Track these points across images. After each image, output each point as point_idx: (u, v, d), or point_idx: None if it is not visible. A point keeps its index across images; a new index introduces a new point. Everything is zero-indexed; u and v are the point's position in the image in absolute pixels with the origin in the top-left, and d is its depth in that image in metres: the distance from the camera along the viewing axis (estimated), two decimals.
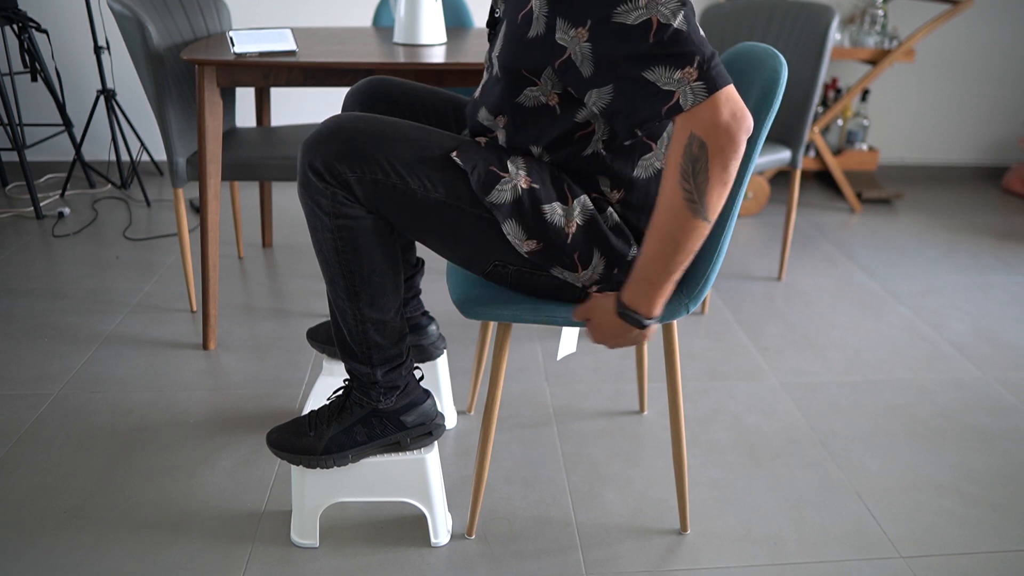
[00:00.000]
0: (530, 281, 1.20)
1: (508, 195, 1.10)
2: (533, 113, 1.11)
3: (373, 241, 1.13)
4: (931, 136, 3.67)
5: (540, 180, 1.12)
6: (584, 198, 1.13)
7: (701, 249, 1.21)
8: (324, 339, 1.56)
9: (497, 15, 1.17)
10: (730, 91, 0.96)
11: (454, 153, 1.10)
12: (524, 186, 1.10)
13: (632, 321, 1.09)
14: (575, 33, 0.99)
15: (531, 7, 1.03)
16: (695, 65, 0.94)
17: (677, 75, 0.95)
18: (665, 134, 1.13)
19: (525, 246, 1.13)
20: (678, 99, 0.95)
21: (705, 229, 1.01)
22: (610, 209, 1.15)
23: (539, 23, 1.03)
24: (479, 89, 1.21)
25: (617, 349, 1.06)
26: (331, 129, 1.09)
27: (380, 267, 1.15)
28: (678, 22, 0.94)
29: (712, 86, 0.94)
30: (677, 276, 1.05)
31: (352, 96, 1.36)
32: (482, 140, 1.18)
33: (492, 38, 1.18)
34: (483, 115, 1.18)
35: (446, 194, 1.10)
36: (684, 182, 0.98)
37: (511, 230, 1.12)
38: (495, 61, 1.13)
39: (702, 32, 0.97)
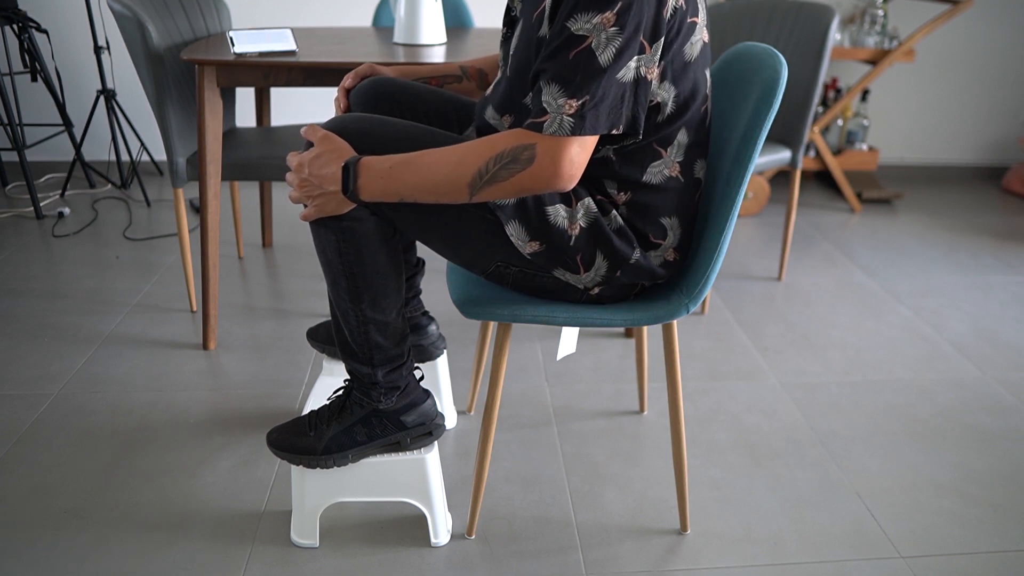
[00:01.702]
0: (532, 282, 1.20)
1: None
2: None
3: (376, 243, 1.13)
4: (931, 136, 3.67)
5: None
6: (588, 200, 1.13)
7: (701, 249, 1.21)
8: (324, 339, 1.56)
9: (514, 14, 1.17)
10: (589, 141, 0.99)
11: None
12: None
13: (346, 178, 1.03)
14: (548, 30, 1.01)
15: (544, 7, 1.04)
16: (579, 101, 0.97)
17: (560, 100, 0.97)
18: (676, 141, 1.12)
19: (528, 247, 1.13)
20: (544, 121, 0.98)
21: (462, 199, 1.02)
22: (614, 212, 1.15)
23: (548, 23, 1.03)
24: (491, 87, 1.22)
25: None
26: (332, 129, 1.09)
27: (382, 269, 1.15)
28: (604, 59, 0.96)
29: (578, 129, 0.97)
30: (405, 197, 1.03)
31: (354, 96, 1.36)
32: None
33: (508, 37, 1.18)
34: (490, 113, 1.18)
35: None
36: (491, 162, 0.99)
37: (514, 231, 1.12)
38: (509, 60, 1.13)
39: (628, 87, 1.00)
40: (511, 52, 1.13)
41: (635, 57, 0.98)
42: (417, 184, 1.02)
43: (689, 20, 1.04)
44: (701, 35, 1.07)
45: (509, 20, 1.18)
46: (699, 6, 1.06)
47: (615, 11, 0.95)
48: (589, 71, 0.96)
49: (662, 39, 1.00)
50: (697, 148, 1.15)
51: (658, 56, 1.01)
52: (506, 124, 1.16)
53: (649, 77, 1.01)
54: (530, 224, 1.12)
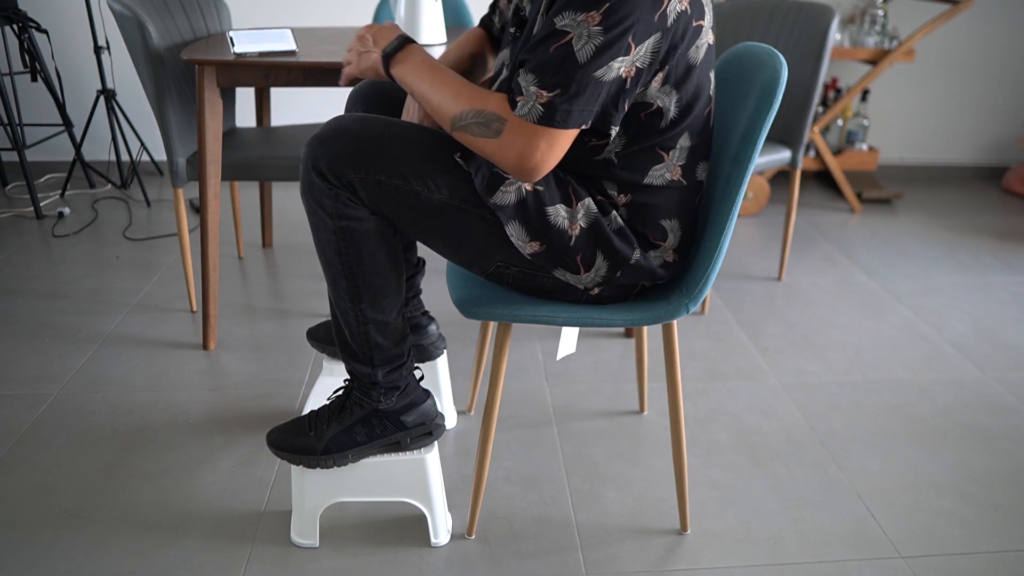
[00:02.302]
0: (532, 282, 1.20)
1: (512, 196, 1.10)
2: None
3: (376, 242, 1.13)
4: (931, 136, 3.67)
5: (545, 182, 1.12)
6: (588, 201, 1.13)
7: (701, 249, 1.21)
8: (324, 338, 1.56)
9: (523, 14, 1.16)
10: (558, 135, 1.01)
11: (457, 155, 1.10)
12: (529, 188, 1.11)
13: (392, 44, 1.12)
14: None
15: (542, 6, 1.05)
16: (551, 92, 0.98)
17: (533, 89, 0.99)
18: (678, 145, 1.12)
19: (528, 247, 1.13)
20: (519, 100, 1.01)
21: (447, 129, 1.08)
22: (614, 212, 1.15)
23: (541, 19, 1.03)
24: (495, 84, 1.21)
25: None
26: (334, 130, 1.09)
27: (382, 268, 1.15)
28: (583, 56, 0.97)
29: (548, 119, 0.99)
30: (414, 94, 1.11)
31: (355, 95, 1.36)
32: None
33: (516, 37, 1.17)
34: None
35: (449, 195, 1.10)
36: (470, 113, 1.04)
37: (514, 231, 1.12)
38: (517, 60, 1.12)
39: (605, 87, 1.01)
40: (519, 52, 1.12)
41: (619, 58, 0.98)
42: (426, 91, 1.09)
43: (695, 24, 1.03)
44: (706, 38, 1.07)
45: (519, 20, 1.18)
46: (705, 8, 1.05)
47: (602, 11, 0.95)
48: (566, 65, 0.97)
49: (649, 43, 0.99)
50: (700, 151, 1.15)
51: (646, 60, 1.01)
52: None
53: (625, 77, 1.01)
54: (530, 224, 1.12)
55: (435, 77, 1.08)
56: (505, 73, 1.17)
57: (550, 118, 0.99)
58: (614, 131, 1.07)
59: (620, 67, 0.99)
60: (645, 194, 1.14)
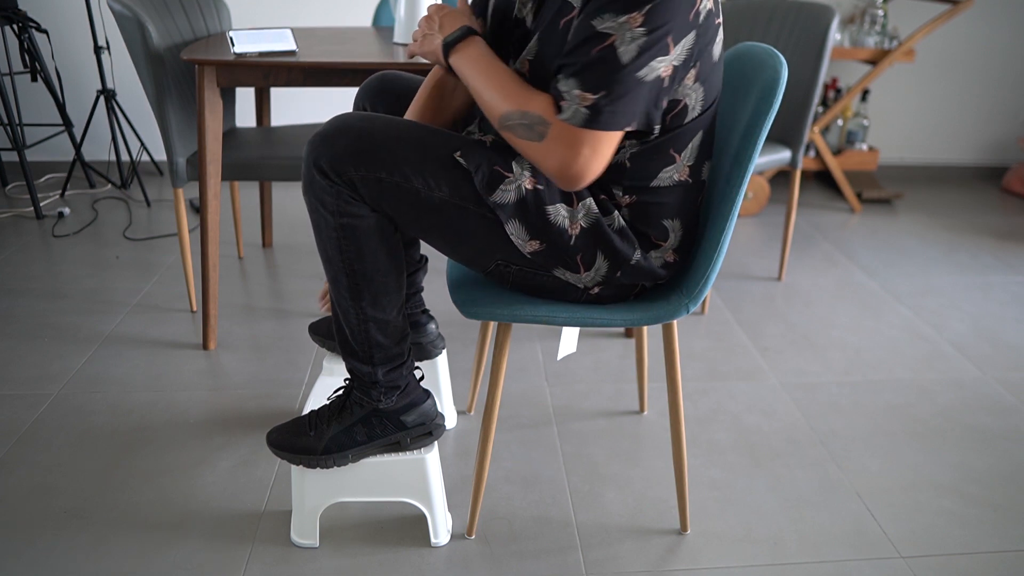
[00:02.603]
0: (532, 281, 1.20)
1: (512, 195, 1.10)
2: None
3: (377, 240, 1.13)
4: (931, 136, 3.67)
5: (546, 181, 1.12)
6: (589, 200, 1.13)
7: (701, 249, 1.21)
8: (326, 333, 1.56)
9: (528, 24, 1.16)
10: (602, 138, 1.00)
11: (457, 153, 1.10)
12: (529, 187, 1.11)
13: (456, 33, 1.12)
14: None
15: (574, 14, 1.04)
16: (596, 94, 0.98)
17: (576, 92, 0.99)
18: (689, 146, 1.13)
19: (528, 246, 1.13)
20: (563, 104, 1.00)
21: (495, 124, 1.08)
22: (616, 212, 1.15)
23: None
24: None
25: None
26: (336, 128, 1.09)
27: (383, 266, 1.15)
28: (627, 57, 0.97)
29: (592, 122, 0.99)
30: (469, 84, 1.10)
31: (363, 92, 1.38)
32: (488, 139, 1.18)
33: (518, 43, 1.17)
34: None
35: (450, 193, 1.10)
36: (517, 114, 1.03)
37: (514, 230, 1.12)
38: (523, 65, 1.12)
39: (648, 87, 1.01)
40: (530, 57, 1.11)
41: (658, 58, 0.98)
42: (479, 86, 1.09)
43: (716, 22, 1.05)
44: (720, 35, 1.09)
45: (521, 33, 1.16)
46: (719, 8, 1.07)
47: (643, 12, 0.95)
48: (609, 67, 0.97)
49: (685, 41, 1.00)
50: (706, 149, 1.16)
51: (682, 58, 1.02)
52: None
53: (664, 76, 1.01)
54: (530, 223, 1.12)
55: (490, 73, 1.08)
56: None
57: (595, 120, 0.99)
58: (656, 130, 1.08)
59: (660, 67, 0.99)
60: (650, 195, 1.14)
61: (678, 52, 1.01)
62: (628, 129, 1.02)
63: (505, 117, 1.05)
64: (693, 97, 1.08)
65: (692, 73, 1.05)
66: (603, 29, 0.97)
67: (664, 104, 1.05)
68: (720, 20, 1.07)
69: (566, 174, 1.02)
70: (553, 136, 1.01)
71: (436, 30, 1.16)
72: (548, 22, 1.09)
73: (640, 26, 0.96)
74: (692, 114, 1.10)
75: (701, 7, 1.00)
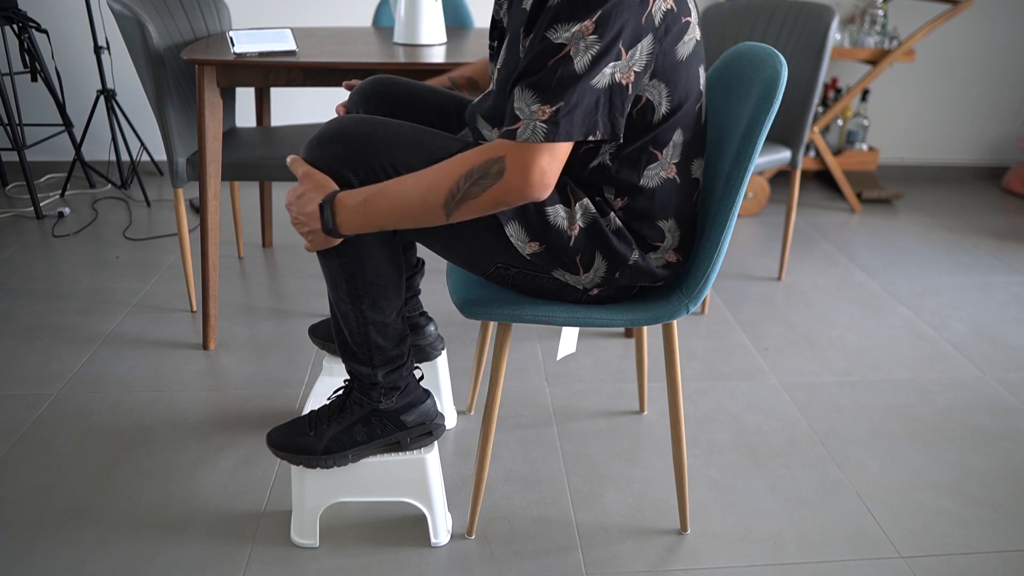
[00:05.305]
0: (531, 283, 1.20)
1: None
2: None
3: (375, 245, 1.13)
4: (931, 136, 3.67)
5: None
6: (586, 201, 1.13)
7: (701, 249, 1.21)
8: (325, 335, 1.56)
9: (502, 27, 1.17)
10: (560, 148, 0.99)
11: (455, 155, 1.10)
12: None
13: (323, 216, 1.05)
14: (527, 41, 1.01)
15: (525, 20, 1.04)
16: (553, 107, 0.97)
17: (534, 106, 0.97)
18: (672, 142, 1.12)
19: (527, 248, 1.13)
20: (518, 128, 0.98)
21: (440, 221, 1.03)
22: (612, 214, 1.15)
23: (524, 35, 1.03)
24: (480, 96, 1.21)
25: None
26: (334, 131, 1.09)
27: (382, 270, 1.15)
28: (580, 67, 0.96)
29: (552, 135, 0.97)
30: (384, 226, 1.05)
31: (357, 96, 1.36)
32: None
33: (497, 49, 1.17)
34: (481, 123, 1.18)
35: None
36: (462, 181, 0.99)
37: (514, 232, 1.12)
38: (496, 72, 1.13)
39: (603, 94, 0.99)
40: (498, 66, 1.13)
41: (611, 64, 0.98)
42: (393, 213, 1.03)
43: (683, 20, 1.04)
44: (694, 34, 1.07)
45: (498, 33, 1.18)
46: (690, 5, 1.06)
47: (594, 19, 0.95)
48: (565, 78, 0.96)
49: (642, 46, 1.00)
50: (693, 147, 1.15)
51: (643, 63, 1.01)
52: (495, 136, 1.15)
53: (624, 83, 1.00)
54: (529, 225, 1.12)
55: (389, 196, 1.02)
56: (493, 87, 1.16)
57: (554, 133, 0.97)
58: (622, 137, 1.06)
59: (613, 72, 0.98)
60: (640, 197, 1.14)
61: (636, 57, 0.99)
62: (592, 139, 1.01)
63: (451, 197, 0.99)
64: (654, 93, 1.06)
65: (647, 73, 1.04)
66: (557, 40, 0.96)
67: (626, 108, 1.03)
68: (690, 18, 1.05)
69: (534, 191, 0.99)
70: (512, 164, 0.98)
71: (307, 223, 1.08)
72: (511, 32, 1.09)
73: (592, 34, 0.95)
74: (661, 111, 1.08)
75: (654, 8, 0.98)
